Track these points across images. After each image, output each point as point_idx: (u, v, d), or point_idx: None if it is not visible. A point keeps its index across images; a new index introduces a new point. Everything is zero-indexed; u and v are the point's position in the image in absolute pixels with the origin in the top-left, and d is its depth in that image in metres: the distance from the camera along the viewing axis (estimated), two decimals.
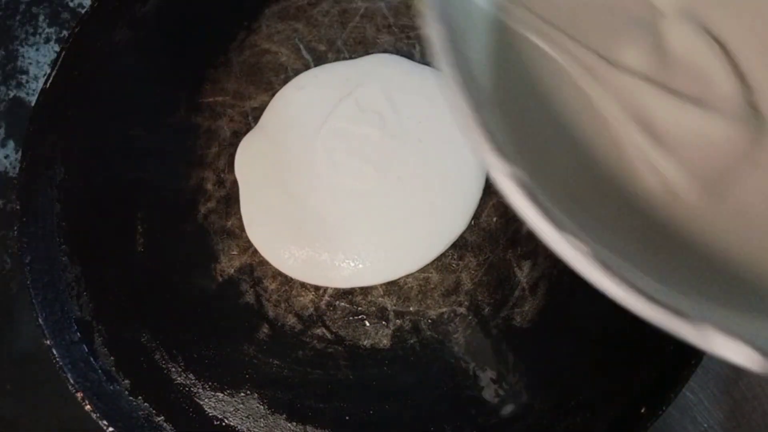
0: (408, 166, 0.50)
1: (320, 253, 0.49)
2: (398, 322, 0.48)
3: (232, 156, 0.52)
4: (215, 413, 0.46)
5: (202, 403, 0.47)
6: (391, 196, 0.50)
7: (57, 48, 0.62)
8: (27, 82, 0.62)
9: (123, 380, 0.46)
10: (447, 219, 0.49)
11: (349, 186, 0.50)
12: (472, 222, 0.49)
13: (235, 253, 0.51)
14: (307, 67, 0.53)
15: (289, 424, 0.46)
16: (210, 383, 0.47)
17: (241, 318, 0.49)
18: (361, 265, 0.49)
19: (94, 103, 0.50)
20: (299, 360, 0.48)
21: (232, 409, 0.47)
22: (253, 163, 0.51)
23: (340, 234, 0.49)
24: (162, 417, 0.46)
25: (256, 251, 0.50)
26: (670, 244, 0.27)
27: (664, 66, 0.28)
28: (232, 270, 0.50)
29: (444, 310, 0.48)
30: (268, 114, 0.52)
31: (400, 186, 0.50)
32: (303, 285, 0.50)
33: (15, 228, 0.47)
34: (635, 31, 0.29)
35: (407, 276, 0.49)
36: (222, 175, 0.52)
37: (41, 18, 0.63)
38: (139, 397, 0.46)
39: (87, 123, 0.50)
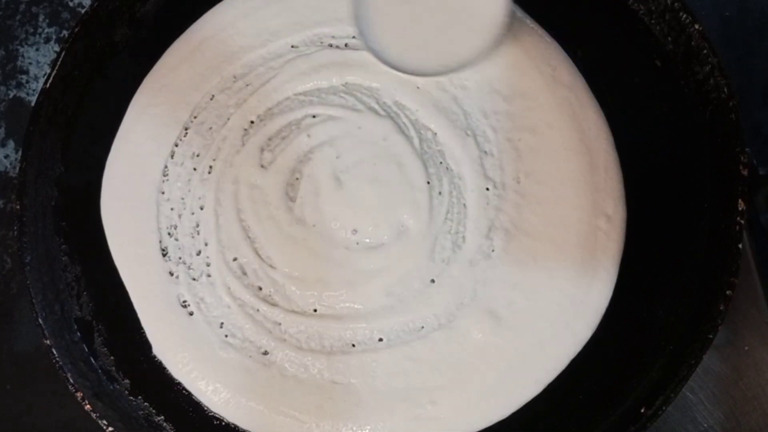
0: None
1: None
2: None
3: None
4: (215, 413, 0.46)
5: (202, 403, 0.47)
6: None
7: (57, 48, 0.63)
8: (27, 82, 0.62)
9: (123, 380, 0.46)
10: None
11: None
12: None
13: None
14: None
15: None
16: None
17: None
18: None
19: (94, 103, 0.50)
20: None
21: None
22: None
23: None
24: (162, 417, 0.46)
25: None
26: None
27: None
28: None
29: None
30: None
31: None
32: None
33: (15, 228, 0.47)
34: None
35: None
36: None
37: (41, 18, 0.63)
38: (139, 397, 0.46)
39: (87, 123, 0.50)
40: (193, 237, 0.47)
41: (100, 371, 0.46)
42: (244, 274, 0.46)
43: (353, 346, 0.44)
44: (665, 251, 0.46)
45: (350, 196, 0.46)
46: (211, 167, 0.48)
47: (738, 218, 0.43)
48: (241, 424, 0.45)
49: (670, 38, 0.47)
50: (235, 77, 0.49)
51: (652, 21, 0.47)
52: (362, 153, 0.46)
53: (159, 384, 0.47)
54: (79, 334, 0.47)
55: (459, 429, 0.43)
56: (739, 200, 0.43)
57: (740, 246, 0.42)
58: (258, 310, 0.45)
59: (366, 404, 0.43)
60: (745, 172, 0.43)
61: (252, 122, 0.48)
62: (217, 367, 0.45)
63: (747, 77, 0.60)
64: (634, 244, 0.46)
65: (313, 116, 0.48)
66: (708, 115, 0.46)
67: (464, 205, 0.46)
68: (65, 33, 0.63)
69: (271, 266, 0.46)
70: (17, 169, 0.50)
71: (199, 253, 0.47)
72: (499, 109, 0.47)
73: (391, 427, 0.43)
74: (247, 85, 0.49)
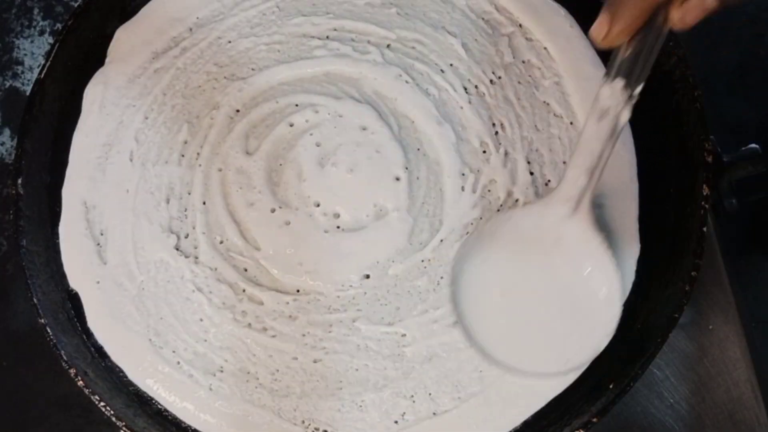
0: None
1: None
2: None
3: None
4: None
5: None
6: None
7: (51, 40, 0.64)
8: (22, 72, 0.64)
9: None
10: None
11: None
12: None
13: None
14: None
15: None
16: None
17: None
18: None
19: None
20: None
21: None
22: None
23: None
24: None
25: None
26: None
27: None
28: None
29: None
30: None
31: None
32: None
33: (11, 212, 0.48)
34: None
35: None
36: None
37: (36, 11, 0.65)
38: None
39: (79, 112, 0.51)
40: (181, 221, 0.48)
41: (92, 348, 0.47)
42: (231, 255, 0.47)
43: (330, 326, 0.46)
44: None
45: (332, 181, 0.47)
46: (198, 154, 0.49)
47: (703, 203, 0.44)
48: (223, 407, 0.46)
49: None
50: (221, 67, 0.51)
51: None
52: (343, 139, 0.48)
53: None
54: (72, 312, 0.48)
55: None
56: (704, 186, 0.45)
57: (705, 229, 0.44)
58: (244, 291, 0.47)
59: (347, 384, 0.45)
60: (709, 159, 0.45)
61: (237, 111, 0.50)
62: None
63: (712, 69, 0.61)
64: None
65: (296, 105, 0.49)
66: (674, 104, 0.47)
67: (441, 189, 0.47)
68: (59, 26, 0.64)
69: (256, 248, 0.47)
70: (13, 155, 0.52)
71: (187, 236, 0.48)
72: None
73: (369, 401, 0.45)
74: (233, 75, 0.51)
